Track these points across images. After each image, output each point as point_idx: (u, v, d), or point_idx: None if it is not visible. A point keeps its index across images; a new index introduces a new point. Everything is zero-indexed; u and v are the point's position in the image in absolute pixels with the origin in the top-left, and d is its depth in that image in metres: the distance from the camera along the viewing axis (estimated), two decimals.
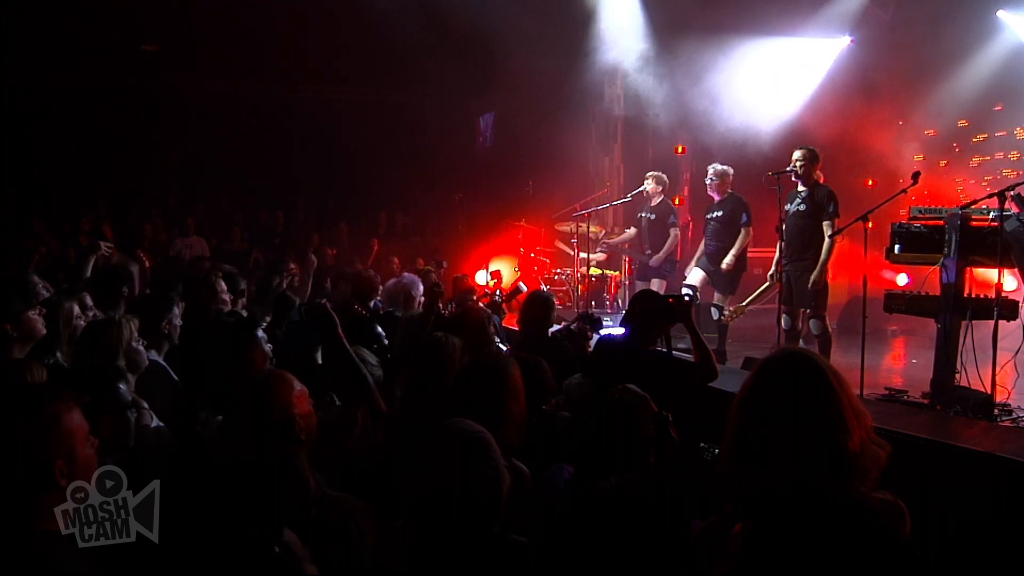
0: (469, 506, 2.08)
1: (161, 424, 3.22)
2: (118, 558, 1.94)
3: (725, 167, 7.86)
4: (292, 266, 6.83)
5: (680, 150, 11.12)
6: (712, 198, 7.88)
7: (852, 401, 1.97)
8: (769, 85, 9.56)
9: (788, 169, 6.62)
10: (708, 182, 7.83)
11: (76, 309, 4.10)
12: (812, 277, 6.48)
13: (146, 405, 3.13)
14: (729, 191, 7.81)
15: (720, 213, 7.75)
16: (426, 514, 2.10)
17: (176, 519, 1.96)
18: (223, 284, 5.14)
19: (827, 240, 6.46)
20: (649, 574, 1.86)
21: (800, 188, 6.70)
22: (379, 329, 4.82)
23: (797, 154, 6.67)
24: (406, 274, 6.93)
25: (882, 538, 1.28)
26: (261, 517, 1.96)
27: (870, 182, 9.57)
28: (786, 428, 1.91)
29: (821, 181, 6.73)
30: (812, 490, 1.38)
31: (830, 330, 6.66)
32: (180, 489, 2.26)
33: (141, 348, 3.60)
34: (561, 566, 1.90)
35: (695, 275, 7.93)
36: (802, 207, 6.64)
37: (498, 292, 6.61)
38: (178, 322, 4.38)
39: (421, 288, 6.20)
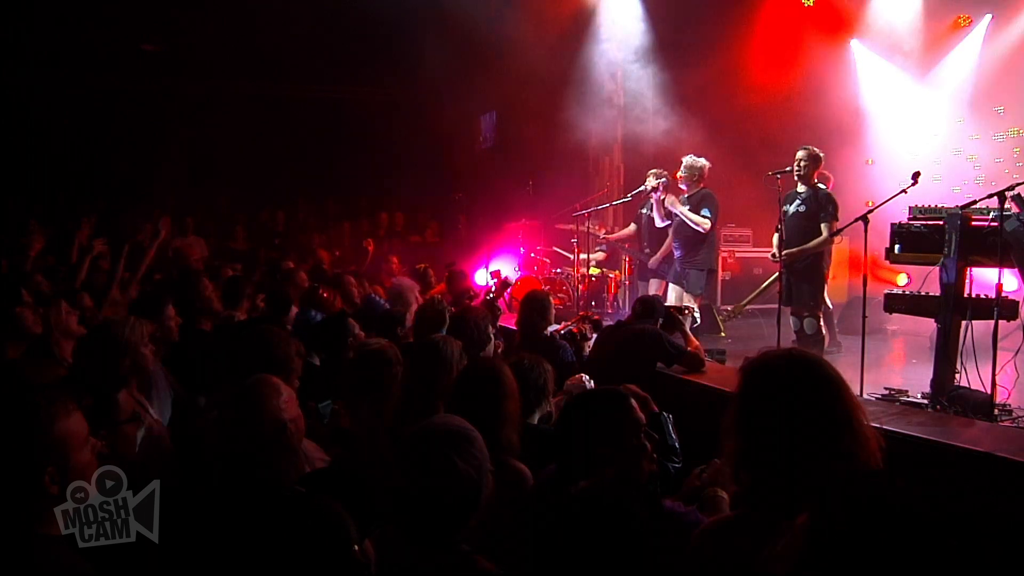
0: (447, 501, 2.06)
1: (163, 427, 3.21)
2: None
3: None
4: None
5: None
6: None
7: (853, 397, 1.99)
8: (773, 84, 9.55)
9: (788, 169, 6.64)
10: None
11: (65, 306, 4.10)
12: (791, 251, 6.49)
13: (148, 408, 3.13)
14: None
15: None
16: (404, 510, 2.07)
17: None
18: (207, 284, 5.13)
19: (822, 236, 6.52)
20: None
21: (800, 189, 6.72)
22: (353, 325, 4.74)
23: (800, 154, 6.69)
24: (397, 279, 6.98)
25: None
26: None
27: (870, 161, 9.57)
28: (794, 426, 1.91)
29: (828, 186, 6.76)
30: (867, 480, 1.39)
31: (823, 331, 6.67)
32: (181, 489, 2.27)
33: (148, 353, 3.58)
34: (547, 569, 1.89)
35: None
36: (802, 208, 6.66)
37: (492, 291, 6.64)
38: (172, 323, 4.38)
39: (417, 290, 6.23)
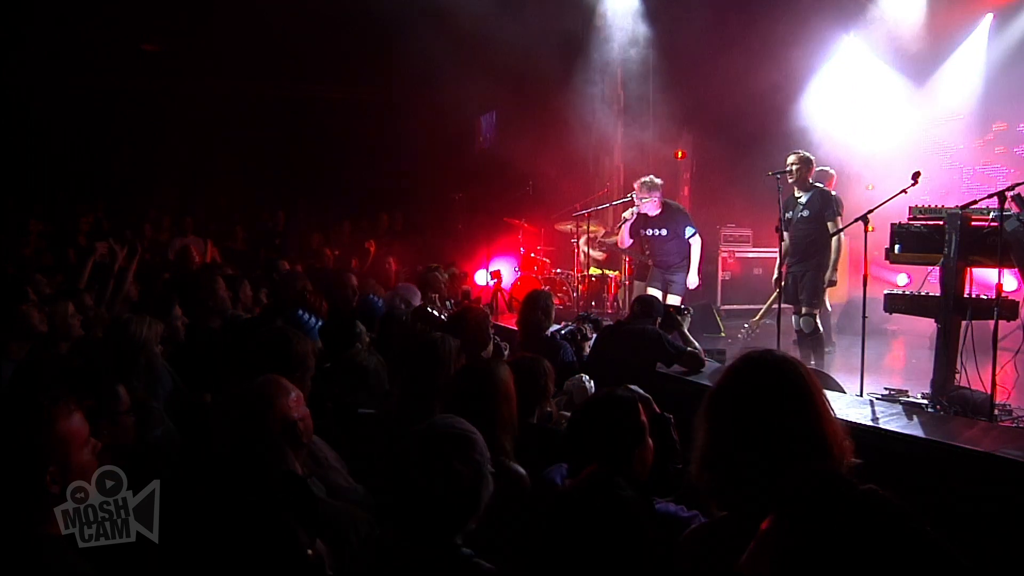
0: (445, 503, 2.05)
1: (170, 425, 3.22)
2: (130, 555, 1.92)
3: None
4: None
5: (679, 155, 11.05)
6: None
7: (824, 395, 2.02)
8: (774, 85, 9.54)
9: (787, 170, 6.64)
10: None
11: (72, 308, 4.11)
12: (827, 276, 6.56)
13: (155, 405, 3.14)
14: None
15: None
16: (401, 512, 2.07)
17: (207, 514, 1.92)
18: (222, 283, 5.14)
19: (832, 240, 6.51)
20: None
21: (798, 194, 6.72)
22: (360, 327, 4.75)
23: (791, 159, 6.70)
24: (402, 284, 6.97)
25: (907, 520, 1.32)
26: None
27: (870, 187, 9.55)
28: (767, 426, 1.93)
29: (830, 184, 6.76)
30: (834, 480, 1.40)
31: (820, 329, 6.68)
32: (185, 489, 2.26)
33: (158, 352, 3.59)
34: (543, 566, 1.89)
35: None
36: (804, 212, 6.66)
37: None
38: (180, 323, 4.38)
39: (419, 297, 6.22)
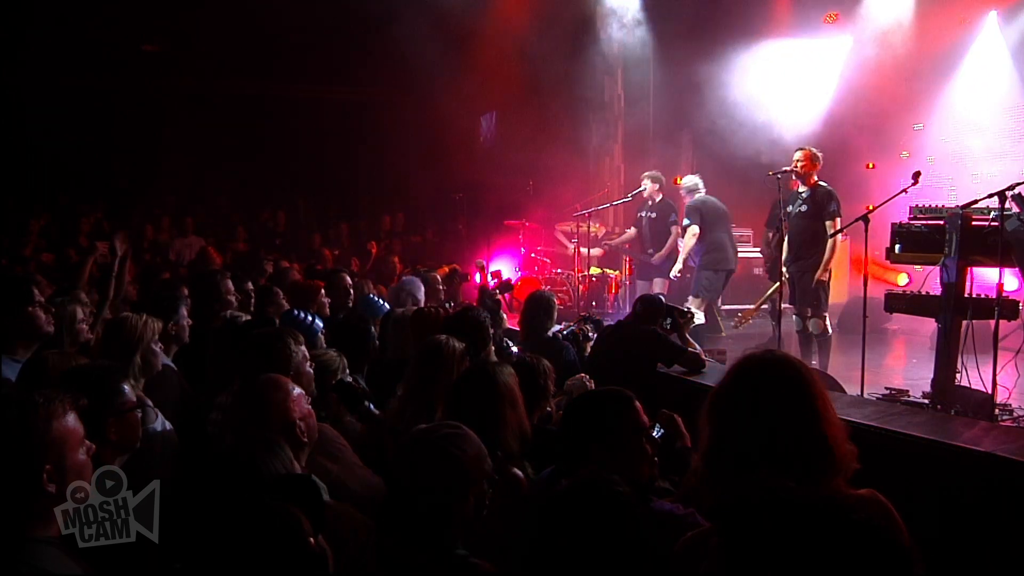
0: (440, 509, 2.05)
1: (169, 426, 3.21)
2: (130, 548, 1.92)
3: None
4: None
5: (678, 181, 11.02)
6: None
7: (827, 398, 2.00)
8: (773, 86, 9.53)
9: (788, 169, 6.65)
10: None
11: (79, 313, 4.10)
12: (815, 276, 6.52)
13: (150, 403, 3.13)
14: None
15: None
16: (393, 516, 2.07)
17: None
18: (229, 284, 5.12)
19: (829, 239, 6.51)
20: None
21: (801, 189, 6.73)
22: (372, 330, 4.75)
23: (797, 155, 6.71)
24: (406, 277, 6.93)
25: (864, 535, 1.30)
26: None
27: (871, 164, 9.53)
28: (768, 427, 1.92)
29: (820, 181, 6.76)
30: (782, 494, 1.39)
31: (830, 330, 6.67)
32: (185, 490, 2.26)
33: (158, 350, 3.57)
34: (539, 567, 1.89)
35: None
36: (803, 208, 6.67)
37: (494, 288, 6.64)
38: (185, 323, 4.37)
39: (423, 290, 6.20)
